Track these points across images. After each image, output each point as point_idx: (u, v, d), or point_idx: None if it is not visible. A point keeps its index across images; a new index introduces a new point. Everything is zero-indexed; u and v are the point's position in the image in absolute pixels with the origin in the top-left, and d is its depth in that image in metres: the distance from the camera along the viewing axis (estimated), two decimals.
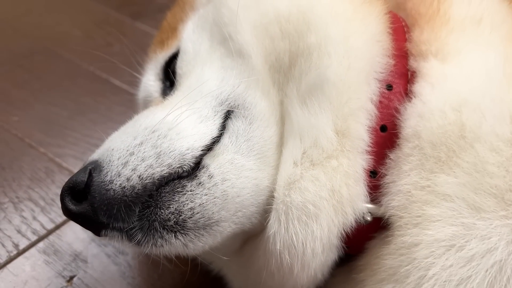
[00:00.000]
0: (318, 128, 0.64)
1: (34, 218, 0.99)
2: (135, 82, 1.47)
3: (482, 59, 0.63)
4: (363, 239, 0.66)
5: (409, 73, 0.67)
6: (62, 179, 1.09)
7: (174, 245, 0.64)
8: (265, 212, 0.67)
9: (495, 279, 0.54)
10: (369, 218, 0.63)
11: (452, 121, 0.59)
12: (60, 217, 1.00)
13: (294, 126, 0.66)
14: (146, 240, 0.63)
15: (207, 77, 0.71)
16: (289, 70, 0.67)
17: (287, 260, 0.64)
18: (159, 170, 0.62)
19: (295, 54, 0.67)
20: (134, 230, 0.63)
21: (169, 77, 0.81)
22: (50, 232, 0.97)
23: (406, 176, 0.61)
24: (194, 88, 0.71)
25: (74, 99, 1.35)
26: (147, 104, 0.85)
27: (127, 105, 1.35)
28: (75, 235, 0.97)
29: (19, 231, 0.96)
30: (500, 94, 0.59)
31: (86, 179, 0.63)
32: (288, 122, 0.67)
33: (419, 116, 0.61)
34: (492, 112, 0.58)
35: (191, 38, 0.77)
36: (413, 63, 0.67)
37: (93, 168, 0.64)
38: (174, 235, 0.63)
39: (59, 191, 1.05)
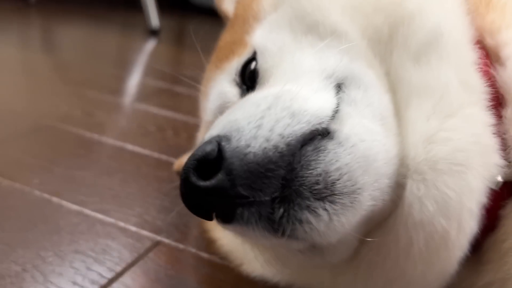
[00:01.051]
0: (444, 80, 0.63)
1: (88, 268, 0.85)
2: (153, 147, 1.42)
3: None
4: (496, 208, 0.63)
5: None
6: (108, 231, 0.97)
7: (319, 220, 0.56)
8: (397, 186, 0.63)
9: None
10: (500, 179, 0.61)
11: None
12: (118, 265, 0.87)
13: (412, 86, 0.64)
14: (289, 216, 0.56)
15: (302, 60, 0.69)
16: (390, 40, 0.67)
17: (441, 224, 0.58)
18: (299, 127, 0.57)
19: (393, 25, 0.67)
20: (274, 204, 0.56)
21: (245, 82, 0.79)
22: (112, 281, 0.83)
23: None
24: (293, 69, 0.68)
25: (96, 161, 1.26)
26: (222, 112, 0.81)
27: (154, 166, 1.29)
28: (140, 284, 0.83)
29: (74, 283, 0.81)
30: None
31: (216, 148, 0.56)
32: (402, 88, 0.65)
33: None
34: None
35: (269, 38, 0.75)
36: (489, 41, 0.68)
37: (219, 140, 0.57)
38: (322, 203, 0.56)
39: (109, 242, 0.93)
